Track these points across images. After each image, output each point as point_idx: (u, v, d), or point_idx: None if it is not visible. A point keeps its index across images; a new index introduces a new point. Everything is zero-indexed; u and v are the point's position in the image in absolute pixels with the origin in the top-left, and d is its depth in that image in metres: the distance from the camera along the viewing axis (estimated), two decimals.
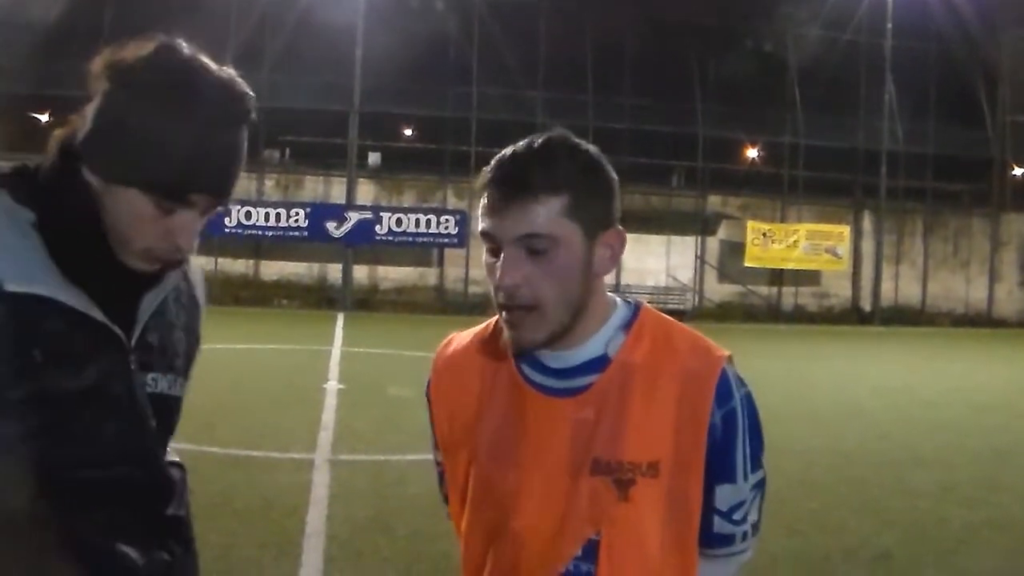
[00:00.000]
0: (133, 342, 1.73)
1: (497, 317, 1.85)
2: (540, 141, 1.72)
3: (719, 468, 1.75)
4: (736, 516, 1.80)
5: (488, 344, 1.87)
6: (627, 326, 1.80)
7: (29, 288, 1.59)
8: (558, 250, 1.69)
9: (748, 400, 1.78)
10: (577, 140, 1.75)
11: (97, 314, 1.66)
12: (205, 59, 1.67)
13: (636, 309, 1.83)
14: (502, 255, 1.71)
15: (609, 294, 1.84)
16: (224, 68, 1.68)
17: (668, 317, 1.85)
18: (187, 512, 1.88)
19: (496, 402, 1.82)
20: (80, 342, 1.64)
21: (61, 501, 1.63)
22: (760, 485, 1.82)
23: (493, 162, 1.75)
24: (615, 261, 1.78)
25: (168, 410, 1.83)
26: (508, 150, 1.74)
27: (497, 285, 1.71)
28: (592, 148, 1.76)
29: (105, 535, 1.68)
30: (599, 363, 1.77)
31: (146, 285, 1.75)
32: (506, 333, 1.76)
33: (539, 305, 1.70)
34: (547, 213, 1.68)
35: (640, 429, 1.73)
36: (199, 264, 1.98)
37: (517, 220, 1.69)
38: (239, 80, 1.68)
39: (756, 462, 1.80)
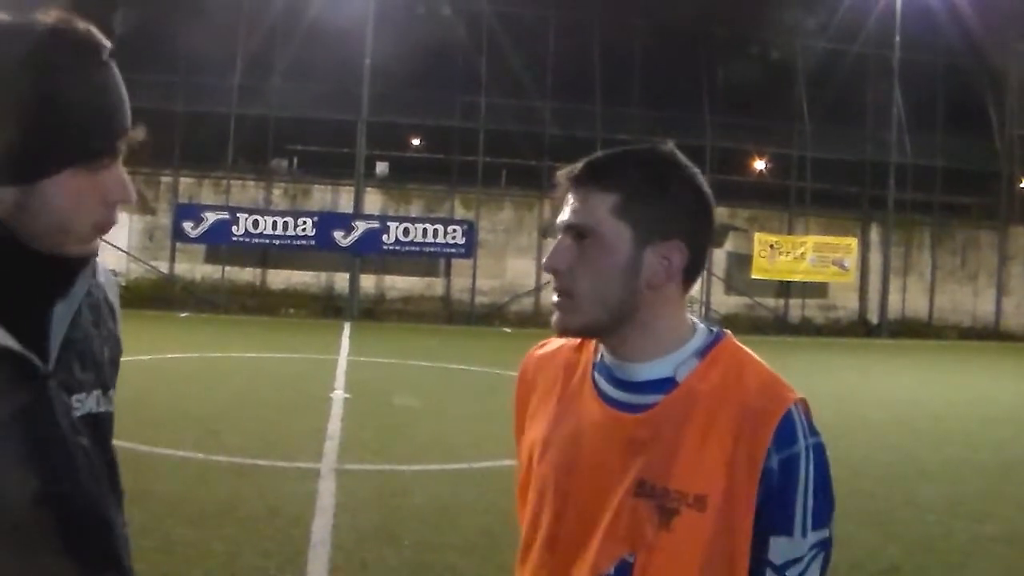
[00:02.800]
0: (51, 365, 1.56)
1: None
2: (629, 147, 1.82)
3: (774, 518, 1.67)
4: (789, 573, 1.69)
5: (575, 350, 1.91)
6: (703, 353, 1.77)
7: None
8: (598, 245, 1.73)
9: (817, 450, 1.70)
10: (666, 153, 1.80)
11: (12, 343, 1.50)
12: (26, 14, 1.51)
13: (718, 338, 1.80)
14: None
15: (693, 319, 1.83)
16: (50, 12, 1.51)
17: (749, 351, 1.81)
18: (127, 553, 1.70)
19: (570, 406, 1.84)
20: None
21: None
22: (822, 546, 1.73)
23: None
24: (671, 275, 1.76)
25: (101, 429, 1.66)
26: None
27: (542, 266, 1.78)
28: (682, 163, 1.79)
29: None
30: (665, 385, 1.75)
31: (54, 297, 1.58)
32: (552, 316, 1.81)
33: (573, 294, 1.74)
34: (595, 206, 1.73)
35: (692, 459, 1.69)
36: (106, 266, 1.85)
37: (571, 209, 1.76)
38: (70, 17, 1.52)
39: (820, 519, 1.71)
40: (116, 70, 1.53)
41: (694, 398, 1.72)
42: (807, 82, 34.65)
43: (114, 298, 1.80)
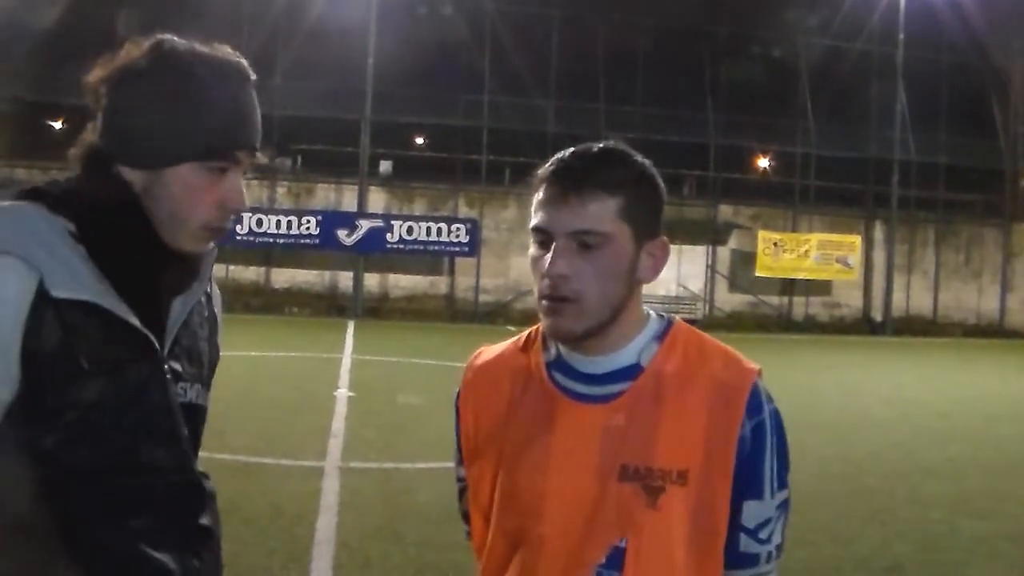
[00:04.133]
0: (165, 351, 1.76)
1: (530, 330, 1.91)
2: (600, 145, 1.80)
3: (747, 483, 1.76)
4: (762, 535, 1.80)
5: (521, 353, 1.91)
6: (660, 337, 1.83)
7: (75, 294, 1.62)
8: (609, 248, 1.74)
9: (776, 416, 1.80)
10: (630, 150, 1.83)
11: (136, 321, 1.68)
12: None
13: (669, 322, 1.87)
14: (553, 247, 1.74)
15: (643, 306, 1.87)
16: (216, 45, 1.78)
17: (700, 331, 1.89)
18: (217, 521, 1.90)
19: (525, 408, 1.84)
20: (122, 349, 1.67)
21: (100, 507, 1.65)
22: (785, 505, 1.82)
23: (553, 159, 1.81)
24: (657, 271, 1.83)
25: (196, 420, 1.85)
26: (568, 150, 1.82)
27: (545, 273, 1.75)
28: (646, 160, 1.83)
29: (142, 542, 1.70)
30: (632, 371, 1.79)
31: (174, 292, 1.79)
32: (544, 323, 1.79)
33: (581, 298, 1.74)
34: (603, 210, 1.74)
35: (671, 437, 1.74)
36: (216, 280, 2.01)
37: (574, 214, 1.74)
38: (230, 49, 1.79)
39: (782, 480, 1.80)
40: (254, 96, 1.78)
41: (662, 379, 1.77)
42: (811, 80, 34.60)
43: (218, 310, 2.01)
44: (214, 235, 1.79)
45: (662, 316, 1.88)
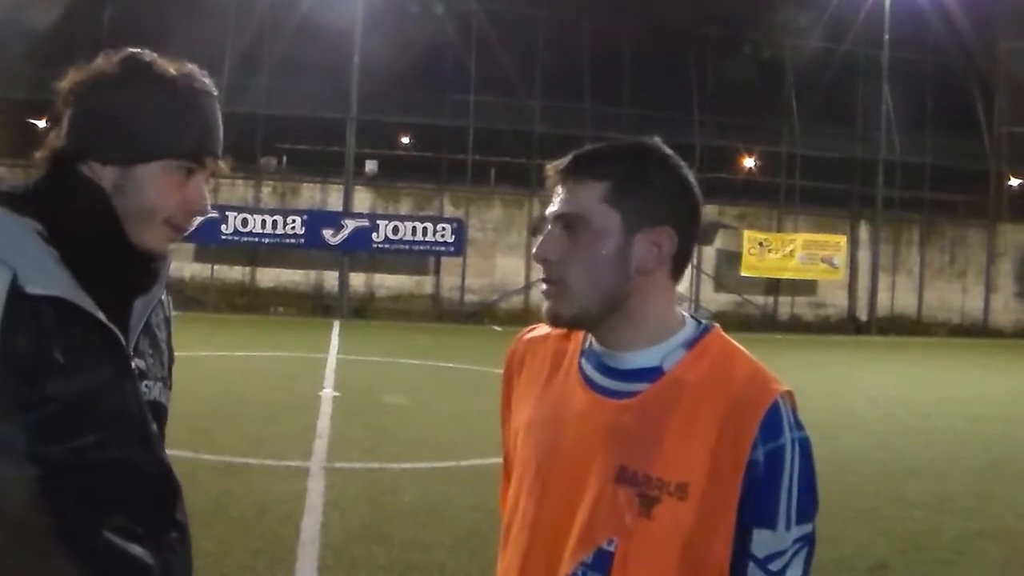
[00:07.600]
0: (130, 349, 1.79)
1: None
2: (608, 141, 1.84)
3: (758, 510, 1.67)
4: (772, 567, 1.68)
5: (564, 337, 1.92)
6: (690, 344, 1.78)
7: (49, 290, 1.64)
8: (589, 232, 1.75)
9: (803, 444, 1.70)
10: (652, 145, 1.83)
11: (100, 315, 1.70)
12: None
13: (706, 330, 1.81)
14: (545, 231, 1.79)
15: (683, 312, 1.84)
16: (186, 64, 1.87)
17: (737, 344, 1.81)
18: (186, 516, 1.91)
19: (553, 388, 1.86)
20: (94, 345, 1.69)
21: (77, 504, 1.66)
22: (806, 540, 1.71)
23: None
24: (662, 261, 1.78)
25: (160, 418, 1.88)
26: None
27: (532, 257, 1.80)
28: (668, 154, 1.82)
29: (120, 537, 1.71)
30: (652, 374, 1.76)
31: (136, 293, 1.83)
32: (543, 306, 1.82)
33: (565, 281, 1.75)
34: (585, 195, 1.76)
35: (675, 447, 1.69)
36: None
37: (562, 200, 1.78)
38: (199, 70, 1.87)
39: (804, 514, 1.70)
40: (218, 109, 1.86)
41: (680, 387, 1.73)
42: (796, 80, 34.68)
43: (171, 314, 2.06)
44: (175, 233, 1.82)
45: (700, 323, 1.83)
